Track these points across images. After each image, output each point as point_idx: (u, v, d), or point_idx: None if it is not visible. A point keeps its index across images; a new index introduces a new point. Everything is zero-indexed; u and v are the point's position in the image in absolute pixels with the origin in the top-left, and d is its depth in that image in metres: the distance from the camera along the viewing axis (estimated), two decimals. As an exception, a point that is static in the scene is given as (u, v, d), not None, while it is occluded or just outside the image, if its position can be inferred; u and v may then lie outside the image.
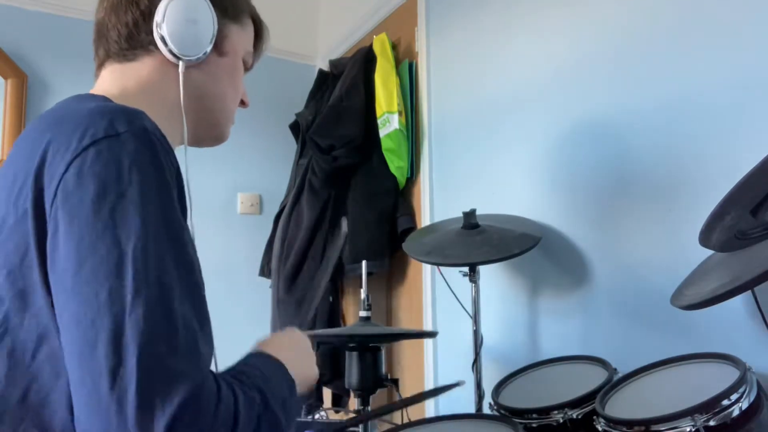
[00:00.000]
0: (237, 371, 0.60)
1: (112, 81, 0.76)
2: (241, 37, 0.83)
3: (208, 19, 0.76)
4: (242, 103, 0.89)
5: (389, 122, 2.10)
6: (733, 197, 0.91)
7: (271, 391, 0.59)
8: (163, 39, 0.74)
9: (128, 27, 0.75)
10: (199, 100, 0.79)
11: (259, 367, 0.62)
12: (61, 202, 0.55)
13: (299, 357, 0.72)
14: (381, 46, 2.23)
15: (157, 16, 0.74)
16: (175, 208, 0.59)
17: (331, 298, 2.20)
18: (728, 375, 0.90)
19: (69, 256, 0.53)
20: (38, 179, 0.57)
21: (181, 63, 0.75)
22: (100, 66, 0.79)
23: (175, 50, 0.74)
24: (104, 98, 0.70)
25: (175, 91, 0.76)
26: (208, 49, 0.76)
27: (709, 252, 1.07)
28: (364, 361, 1.24)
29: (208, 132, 0.84)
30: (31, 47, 2.42)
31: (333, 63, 2.49)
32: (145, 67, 0.76)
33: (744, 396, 0.83)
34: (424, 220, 2.08)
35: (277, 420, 0.58)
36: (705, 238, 1.01)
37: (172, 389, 0.49)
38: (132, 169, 0.56)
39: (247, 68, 0.87)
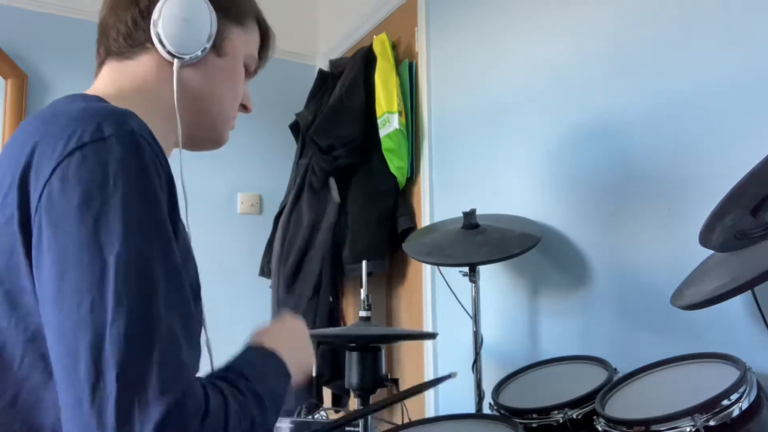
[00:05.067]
0: (234, 372, 0.59)
1: (110, 80, 0.76)
2: (242, 39, 0.81)
3: (205, 19, 0.75)
4: (244, 108, 0.87)
5: (389, 122, 2.10)
6: (733, 197, 0.91)
7: (268, 391, 0.59)
8: (159, 37, 0.73)
9: (127, 25, 0.75)
10: (194, 100, 0.78)
11: (256, 364, 0.63)
12: (45, 209, 0.54)
13: (296, 345, 0.72)
14: (381, 46, 2.23)
15: (154, 14, 0.73)
16: (161, 214, 0.58)
17: (331, 298, 2.20)
18: (728, 375, 0.89)
19: (52, 266, 0.52)
20: (24, 182, 0.57)
21: (175, 61, 0.74)
22: (101, 64, 0.78)
23: (170, 48, 0.73)
24: (96, 98, 0.70)
25: (171, 90, 0.75)
26: (206, 47, 0.75)
27: (709, 252, 1.07)
28: (364, 361, 1.23)
29: (205, 134, 0.82)
30: (31, 47, 2.42)
31: (333, 63, 2.49)
32: (142, 66, 0.75)
33: (744, 396, 0.83)
34: (424, 220, 2.08)
35: (269, 422, 0.58)
36: (705, 238, 1.01)
37: (152, 404, 0.48)
38: (117, 175, 0.55)
39: (249, 72, 0.85)
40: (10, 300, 0.57)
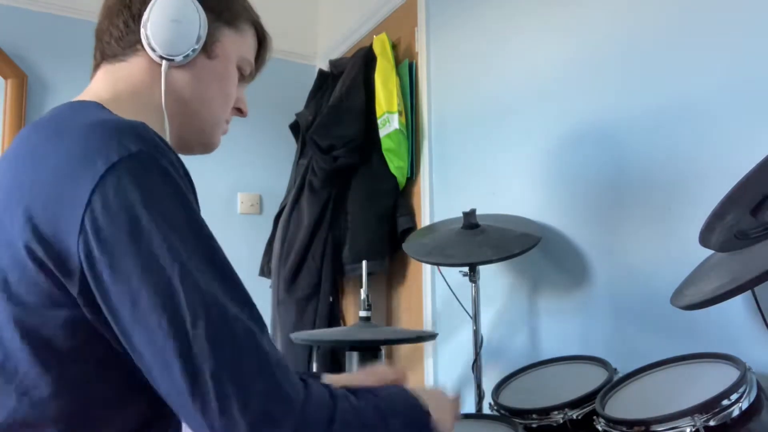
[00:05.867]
0: (361, 390, 0.62)
1: (104, 83, 0.76)
2: (235, 42, 0.81)
3: (194, 20, 0.74)
4: (239, 111, 0.86)
5: (389, 122, 2.10)
6: (733, 197, 0.91)
7: (395, 414, 0.62)
8: (148, 39, 0.73)
9: (119, 29, 0.75)
10: (184, 103, 0.77)
11: (389, 390, 0.65)
12: (93, 236, 0.55)
13: (436, 405, 0.72)
14: (381, 46, 2.23)
15: (144, 16, 0.73)
16: (199, 216, 0.60)
17: (331, 298, 2.20)
18: (728, 375, 0.90)
19: (120, 292, 0.55)
20: (45, 200, 0.57)
21: (164, 63, 0.74)
22: (96, 68, 0.79)
23: (158, 50, 0.73)
24: (98, 106, 0.70)
25: (161, 92, 0.75)
26: (195, 48, 0.75)
27: (709, 252, 1.07)
28: (364, 361, 1.24)
29: (196, 138, 0.82)
30: (31, 47, 2.42)
31: (333, 63, 2.49)
32: (134, 68, 0.75)
33: (744, 396, 0.83)
34: (424, 220, 2.08)
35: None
36: (705, 238, 1.01)
37: (248, 392, 0.53)
38: (155, 190, 0.57)
39: (244, 76, 0.85)
40: (20, 313, 0.57)
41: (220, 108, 0.82)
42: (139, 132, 0.60)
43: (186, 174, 0.62)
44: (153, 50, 0.73)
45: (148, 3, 0.74)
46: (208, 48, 0.77)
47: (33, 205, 0.57)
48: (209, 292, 0.55)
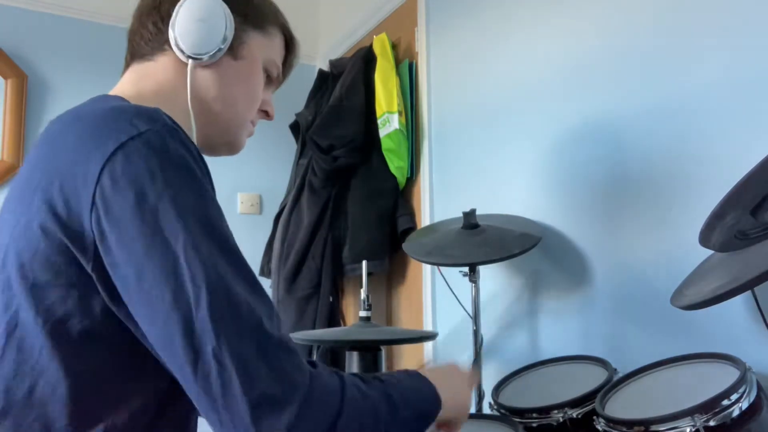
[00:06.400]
0: (370, 376, 0.63)
1: (130, 81, 0.78)
2: (262, 44, 0.82)
3: (220, 21, 0.75)
4: (266, 114, 0.88)
5: (389, 122, 2.10)
6: (733, 197, 0.91)
7: (402, 398, 0.62)
8: (175, 38, 0.75)
9: (149, 30, 0.77)
10: (207, 102, 0.78)
11: (395, 375, 0.65)
12: (103, 212, 0.56)
13: (452, 384, 0.73)
14: (381, 46, 2.23)
15: (172, 17, 0.75)
16: (208, 193, 0.60)
17: (331, 298, 2.20)
18: (728, 375, 0.90)
19: (127, 265, 0.55)
20: (62, 185, 0.58)
21: (190, 62, 0.75)
22: (125, 68, 0.80)
23: (184, 49, 0.75)
24: (119, 98, 0.71)
25: (186, 91, 0.76)
26: (221, 48, 0.76)
27: (709, 252, 1.08)
28: (364, 361, 1.24)
29: (220, 138, 0.83)
30: (31, 47, 2.42)
31: (333, 63, 2.49)
32: (160, 67, 0.77)
33: (744, 396, 0.83)
34: (424, 220, 2.08)
35: (400, 426, 0.61)
36: (705, 238, 1.01)
37: (250, 372, 0.53)
38: (163, 167, 0.58)
39: (271, 79, 0.86)
40: (35, 292, 0.59)
41: (244, 109, 0.83)
42: (150, 114, 0.61)
43: (200, 156, 0.63)
44: (180, 50, 0.75)
45: (177, 4, 0.75)
46: (234, 49, 0.78)
47: (50, 186, 0.59)
48: (214, 269, 0.56)
